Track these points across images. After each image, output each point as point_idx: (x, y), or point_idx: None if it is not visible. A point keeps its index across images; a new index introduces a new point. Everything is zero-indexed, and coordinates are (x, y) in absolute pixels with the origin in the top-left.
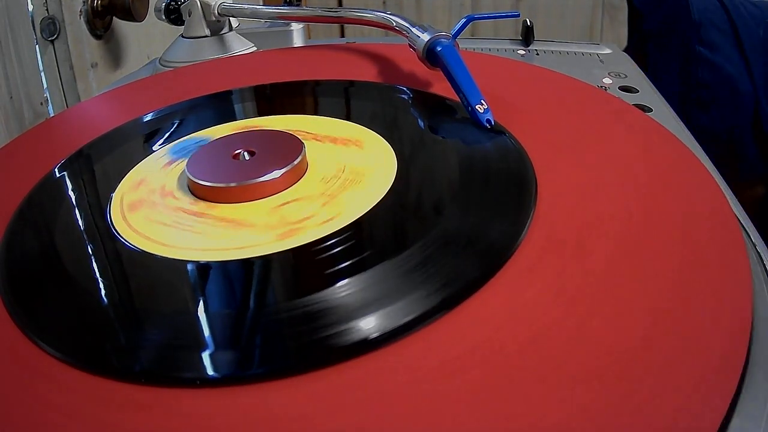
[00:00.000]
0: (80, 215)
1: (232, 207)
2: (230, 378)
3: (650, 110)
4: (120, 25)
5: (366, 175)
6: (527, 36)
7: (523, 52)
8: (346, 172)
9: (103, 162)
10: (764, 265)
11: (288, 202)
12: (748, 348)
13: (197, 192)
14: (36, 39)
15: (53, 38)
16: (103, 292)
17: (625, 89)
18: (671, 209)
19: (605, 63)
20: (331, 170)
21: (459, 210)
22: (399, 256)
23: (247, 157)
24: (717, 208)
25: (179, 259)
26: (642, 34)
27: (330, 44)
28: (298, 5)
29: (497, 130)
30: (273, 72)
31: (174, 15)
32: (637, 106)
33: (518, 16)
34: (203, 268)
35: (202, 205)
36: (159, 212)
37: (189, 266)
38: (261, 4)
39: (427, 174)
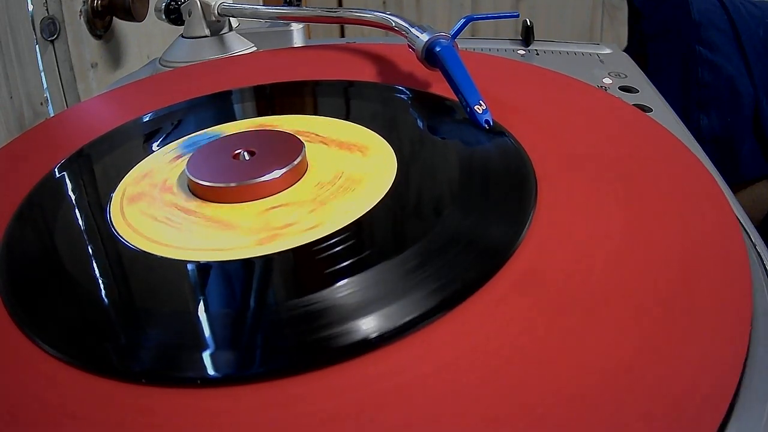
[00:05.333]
0: (80, 215)
1: (233, 207)
2: (230, 378)
3: (650, 110)
4: (120, 25)
5: (365, 175)
6: (527, 36)
7: (523, 52)
8: (346, 172)
9: (103, 162)
10: (764, 265)
11: (288, 203)
12: (748, 348)
13: (197, 192)
14: (36, 39)
15: (53, 38)
16: (103, 292)
17: (625, 89)
18: (671, 209)
19: (605, 63)
20: (330, 171)
21: (459, 211)
22: (398, 257)
23: (247, 157)
24: (717, 208)
25: (180, 260)
26: (642, 34)
27: (330, 44)
28: (298, 5)
29: (497, 131)
30: (273, 72)
31: (174, 15)
32: (637, 106)
33: (518, 16)
34: (204, 268)
35: (202, 205)
36: (159, 213)
37: (190, 266)
38: (261, 4)
39: (427, 174)
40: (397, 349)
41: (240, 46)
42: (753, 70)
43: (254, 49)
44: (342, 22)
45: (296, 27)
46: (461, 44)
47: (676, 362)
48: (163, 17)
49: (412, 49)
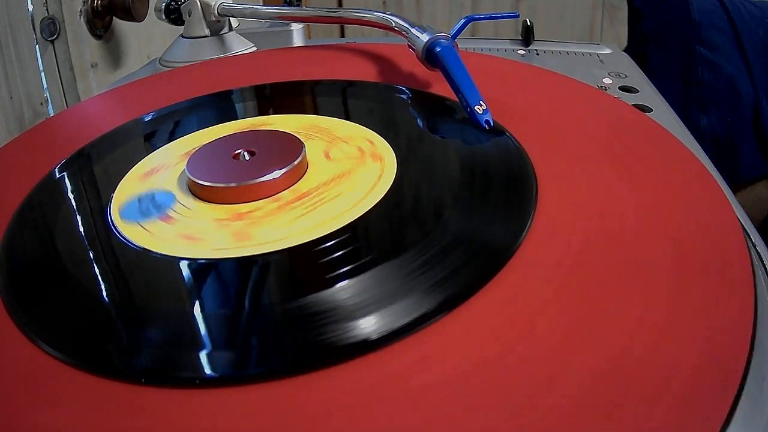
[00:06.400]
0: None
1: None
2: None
3: (650, 110)
4: (120, 25)
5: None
6: (527, 36)
7: (523, 52)
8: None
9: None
10: (764, 265)
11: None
12: (750, 349)
13: (197, 192)
14: (36, 39)
15: (53, 38)
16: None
17: (625, 89)
18: (671, 209)
19: (605, 63)
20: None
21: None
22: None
23: (247, 157)
24: (717, 208)
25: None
26: (642, 34)
27: (330, 44)
28: (298, 5)
29: (497, 131)
30: (273, 72)
31: (174, 15)
32: (637, 106)
33: (518, 16)
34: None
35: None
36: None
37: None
38: (261, 4)
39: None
40: (397, 350)
41: (240, 46)
42: (753, 70)
43: (254, 49)
44: (342, 22)
45: (296, 27)
46: (461, 44)
47: (677, 363)
48: (163, 17)
49: (412, 50)
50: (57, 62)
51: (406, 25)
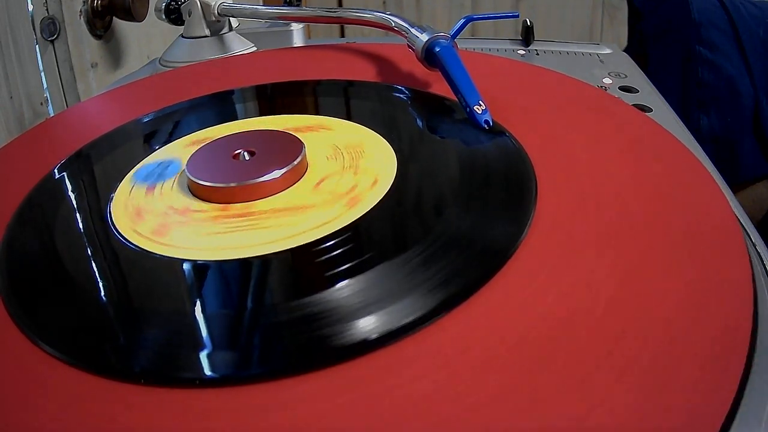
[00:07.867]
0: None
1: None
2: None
3: (650, 110)
4: (120, 25)
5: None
6: (527, 36)
7: (523, 52)
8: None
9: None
10: (764, 265)
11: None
12: (750, 348)
13: (197, 192)
14: (36, 39)
15: (53, 38)
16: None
17: (625, 89)
18: (671, 209)
19: (605, 63)
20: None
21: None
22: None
23: (247, 157)
24: (717, 208)
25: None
26: (642, 34)
27: (330, 44)
28: (298, 5)
29: (497, 130)
30: (273, 72)
31: (174, 15)
32: (637, 106)
33: (518, 16)
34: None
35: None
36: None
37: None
38: (261, 4)
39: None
40: (398, 350)
41: (240, 46)
42: (753, 70)
43: (254, 49)
44: (342, 22)
45: (296, 27)
46: (461, 44)
47: (675, 363)
48: (163, 17)
49: (412, 50)
50: (57, 62)
51: (406, 25)
